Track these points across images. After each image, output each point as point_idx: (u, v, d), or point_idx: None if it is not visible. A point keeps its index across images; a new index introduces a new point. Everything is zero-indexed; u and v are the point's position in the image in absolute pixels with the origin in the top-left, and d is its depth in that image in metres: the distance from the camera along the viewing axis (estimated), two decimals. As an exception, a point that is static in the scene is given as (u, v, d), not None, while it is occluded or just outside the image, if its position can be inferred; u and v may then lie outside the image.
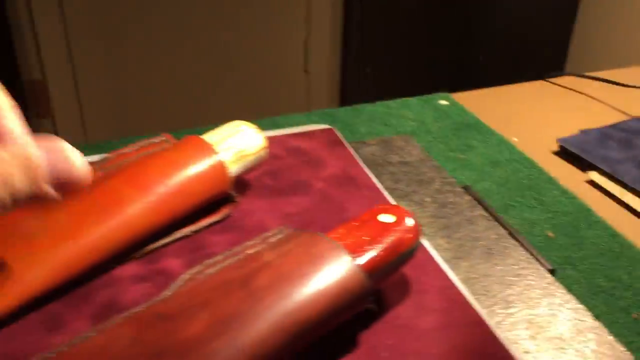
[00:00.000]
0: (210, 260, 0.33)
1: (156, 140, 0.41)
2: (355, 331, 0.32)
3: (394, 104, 0.64)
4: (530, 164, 0.54)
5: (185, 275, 0.32)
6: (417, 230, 0.33)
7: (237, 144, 0.40)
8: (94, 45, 1.66)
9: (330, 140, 0.49)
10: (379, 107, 0.63)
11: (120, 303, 0.34)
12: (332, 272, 0.30)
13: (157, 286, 0.35)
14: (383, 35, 1.77)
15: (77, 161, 0.27)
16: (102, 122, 1.75)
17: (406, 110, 0.63)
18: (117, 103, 1.75)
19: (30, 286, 0.32)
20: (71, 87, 1.69)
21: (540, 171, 0.53)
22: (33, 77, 1.68)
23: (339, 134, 0.50)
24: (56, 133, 1.66)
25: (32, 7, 1.57)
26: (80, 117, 1.73)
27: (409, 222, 0.33)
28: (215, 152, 0.38)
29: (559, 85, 0.71)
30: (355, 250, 0.31)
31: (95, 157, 0.40)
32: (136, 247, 0.36)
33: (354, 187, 0.43)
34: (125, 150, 0.40)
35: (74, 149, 0.28)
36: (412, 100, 0.65)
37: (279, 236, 0.34)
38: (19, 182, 0.26)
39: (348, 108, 0.63)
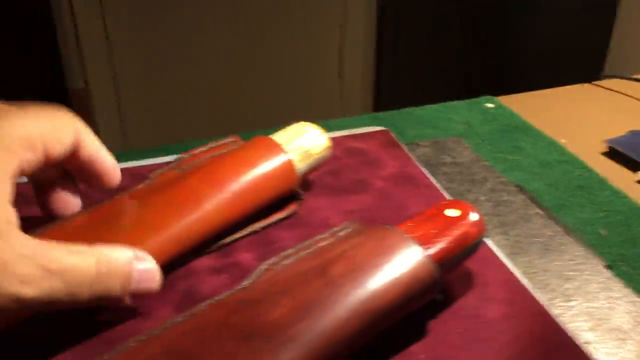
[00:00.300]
0: (285, 253, 0.35)
1: (226, 141, 0.43)
2: (424, 320, 0.34)
3: (441, 107, 0.66)
4: (580, 165, 0.55)
5: (263, 266, 0.34)
6: (481, 225, 0.35)
7: (303, 144, 0.42)
8: (134, 54, 1.70)
9: (386, 141, 0.50)
10: (427, 111, 0.65)
11: (200, 293, 0.36)
12: (404, 262, 0.32)
13: (232, 277, 0.37)
14: (418, 40, 1.78)
15: (158, 279, 0.33)
16: (142, 129, 1.80)
17: (453, 114, 0.64)
18: (156, 110, 1.80)
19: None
20: (112, 95, 1.74)
21: (591, 172, 0.54)
22: (77, 86, 1.73)
23: (394, 135, 0.52)
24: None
25: (75, 18, 1.62)
26: (120, 124, 1.78)
27: (474, 216, 0.35)
28: (284, 152, 0.41)
29: (605, 88, 0.72)
30: (424, 242, 0.33)
31: (171, 158, 0.42)
32: (211, 241, 0.38)
33: (413, 185, 0.45)
34: (198, 150, 0.42)
35: (157, 266, 0.33)
36: (459, 104, 0.67)
37: (347, 230, 0.36)
38: (109, 284, 0.31)
39: (396, 111, 0.65)
